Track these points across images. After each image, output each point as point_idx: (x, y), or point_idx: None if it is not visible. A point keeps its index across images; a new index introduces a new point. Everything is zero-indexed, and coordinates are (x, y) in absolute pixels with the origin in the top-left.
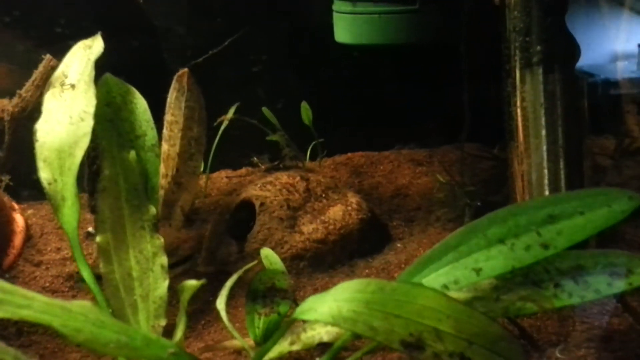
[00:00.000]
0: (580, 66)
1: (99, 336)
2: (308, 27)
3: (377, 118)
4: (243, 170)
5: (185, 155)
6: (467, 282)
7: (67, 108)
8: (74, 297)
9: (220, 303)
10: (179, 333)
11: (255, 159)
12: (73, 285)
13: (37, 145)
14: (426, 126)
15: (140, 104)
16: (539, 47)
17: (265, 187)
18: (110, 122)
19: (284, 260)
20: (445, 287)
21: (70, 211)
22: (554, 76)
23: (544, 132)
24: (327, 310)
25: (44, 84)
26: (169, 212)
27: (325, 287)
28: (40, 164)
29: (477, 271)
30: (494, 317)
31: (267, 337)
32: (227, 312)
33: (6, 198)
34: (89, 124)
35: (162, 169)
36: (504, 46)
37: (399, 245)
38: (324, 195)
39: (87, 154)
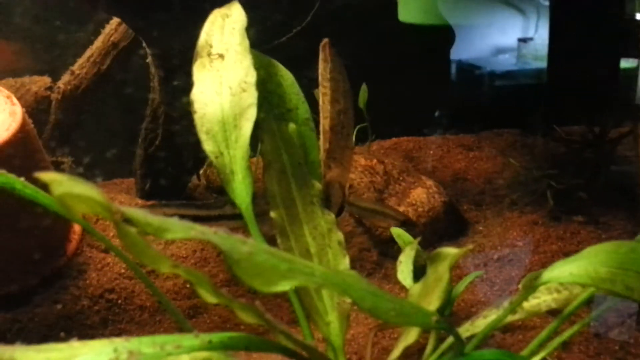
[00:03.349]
0: (466, 59)
1: (380, 304)
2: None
3: (416, 102)
4: None
5: (336, 129)
6: None
7: (222, 78)
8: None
9: (406, 278)
10: (437, 301)
11: None
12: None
13: (197, 117)
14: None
15: (287, 76)
16: None
17: None
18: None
19: (378, 243)
20: None
21: (241, 185)
22: None
23: None
24: (584, 272)
25: (103, 60)
26: (328, 188)
27: None
28: (203, 137)
29: None
30: None
31: (441, 312)
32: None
33: None
34: (252, 94)
35: (320, 142)
36: (629, 27)
37: (481, 228)
38: (400, 178)
39: (144, 136)
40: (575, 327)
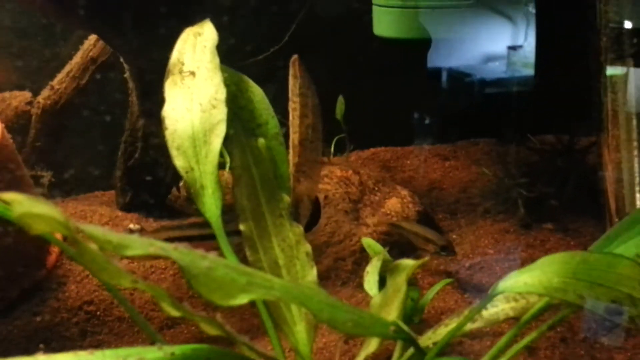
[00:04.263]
0: (457, 67)
1: (337, 316)
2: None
3: (394, 113)
4: None
5: (305, 143)
6: None
7: (192, 95)
8: (131, 294)
9: (372, 288)
10: (395, 312)
11: None
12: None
13: (168, 133)
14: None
15: (257, 92)
16: (632, 40)
17: (324, 181)
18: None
19: (353, 252)
20: (638, 256)
21: (211, 199)
22: None
23: (634, 119)
24: (537, 281)
25: (82, 74)
26: (296, 201)
27: None
28: (174, 152)
29: None
30: None
31: (406, 322)
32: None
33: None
34: (222, 110)
35: (290, 156)
36: (595, 39)
37: (454, 236)
38: (375, 188)
39: (124, 149)
40: (534, 334)
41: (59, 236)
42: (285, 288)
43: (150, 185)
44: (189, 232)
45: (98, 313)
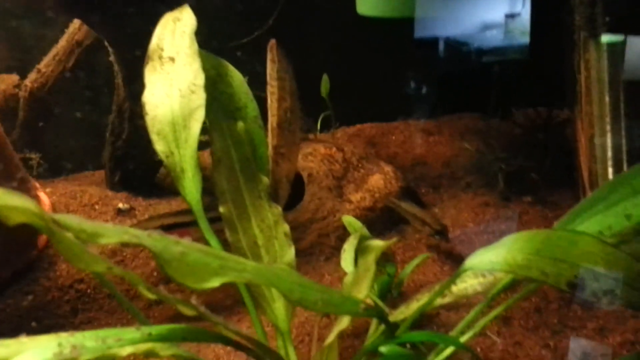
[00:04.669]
0: (453, 35)
1: (308, 295)
2: None
3: (379, 90)
4: None
5: (283, 126)
6: (620, 227)
7: (172, 81)
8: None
9: (348, 266)
10: (364, 290)
11: None
12: (120, 260)
13: (148, 118)
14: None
15: (236, 76)
16: (605, 19)
17: (308, 158)
18: (209, 94)
19: (337, 228)
20: (600, 232)
21: (191, 183)
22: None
23: (607, 97)
24: (502, 259)
25: (67, 58)
26: (275, 182)
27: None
28: (154, 137)
29: (628, 217)
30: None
31: (383, 298)
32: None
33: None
34: (201, 96)
35: (268, 139)
36: (570, 17)
37: (436, 210)
38: (360, 164)
39: (111, 130)
40: (500, 308)
41: (50, 201)
42: (257, 270)
43: (139, 164)
44: (180, 218)
45: (88, 291)
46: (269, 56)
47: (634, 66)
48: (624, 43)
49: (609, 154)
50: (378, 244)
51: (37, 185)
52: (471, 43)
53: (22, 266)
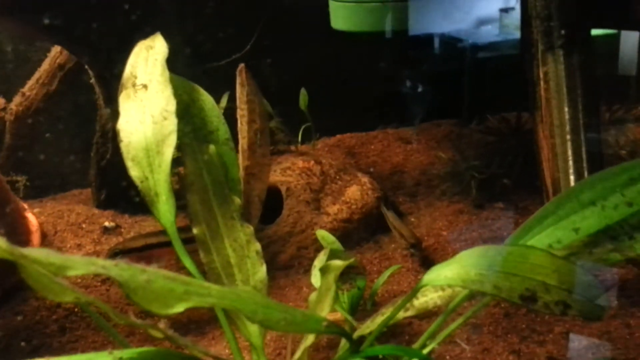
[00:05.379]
0: (449, 31)
1: (271, 316)
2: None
3: (358, 100)
4: None
5: (254, 147)
6: (569, 241)
7: (145, 108)
8: (107, 290)
9: (317, 282)
10: (327, 308)
11: None
12: (104, 280)
13: (123, 145)
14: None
15: (208, 100)
16: (561, 32)
17: (286, 173)
18: (182, 119)
19: (315, 241)
20: (550, 246)
21: (165, 206)
22: (573, 58)
23: (566, 107)
24: (456, 275)
25: (50, 81)
26: (247, 202)
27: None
28: (129, 163)
29: (576, 230)
30: (588, 269)
31: (354, 310)
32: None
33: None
34: (172, 122)
35: (239, 161)
36: (528, 31)
37: (412, 219)
38: (337, 177)
39: (95, 150)
40: (460, 320)
41: (38, 221)
42: (221, 294)
43: (124, 182)
44: (163, 238)
45: (76, 309)
46: (238, 80)
47: (628, 60)
48: (617, 37)
49: (570, 162)
50: (337, 264)
51: (26, 206)
52: (453, 48)
53: (11, 286)
